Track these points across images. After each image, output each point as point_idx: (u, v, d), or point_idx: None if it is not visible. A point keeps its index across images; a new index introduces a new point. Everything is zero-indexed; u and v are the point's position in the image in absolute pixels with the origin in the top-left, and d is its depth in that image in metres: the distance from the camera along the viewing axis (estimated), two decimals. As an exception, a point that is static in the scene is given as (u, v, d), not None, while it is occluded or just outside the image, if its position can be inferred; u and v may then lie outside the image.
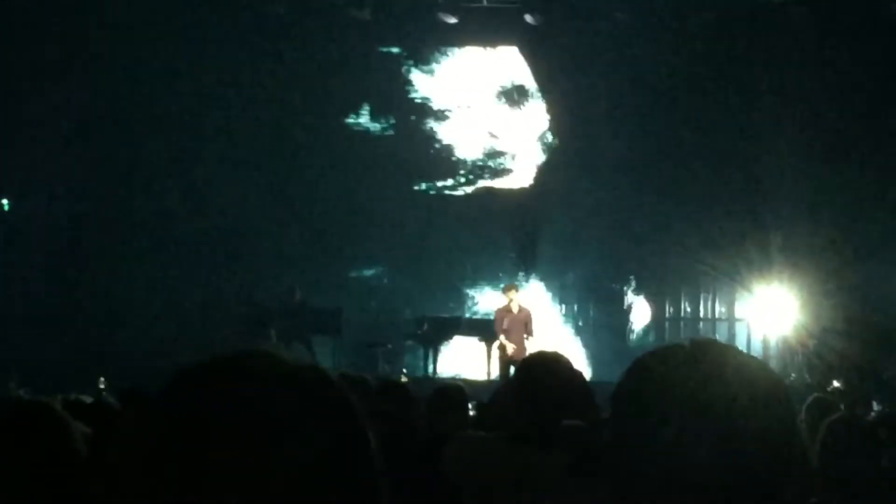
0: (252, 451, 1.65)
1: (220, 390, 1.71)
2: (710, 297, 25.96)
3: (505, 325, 20.68)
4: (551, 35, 25.04)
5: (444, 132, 26.36)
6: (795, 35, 23.81)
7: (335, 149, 25.49)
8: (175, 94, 24.23)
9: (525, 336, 20.49)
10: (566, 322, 26.24)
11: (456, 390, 8.20)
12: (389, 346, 23.87)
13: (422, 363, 23.61)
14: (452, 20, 24.66)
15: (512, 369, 18.80)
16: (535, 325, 20.88)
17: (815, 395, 9.37)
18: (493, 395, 7.10)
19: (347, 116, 26.19)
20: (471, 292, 26.03)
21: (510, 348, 20.39)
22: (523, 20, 24.61)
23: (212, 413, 1.68)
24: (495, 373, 21.11)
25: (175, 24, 23.47)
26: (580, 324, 26.15)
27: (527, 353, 19.36)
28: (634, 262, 25.61)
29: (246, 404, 1.69)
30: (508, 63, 26.20)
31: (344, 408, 1.77)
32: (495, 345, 21.13)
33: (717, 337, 25.21)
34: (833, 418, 6.25)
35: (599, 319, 25.98)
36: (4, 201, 25.15)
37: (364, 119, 26.33)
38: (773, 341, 24.01)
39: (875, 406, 16.20)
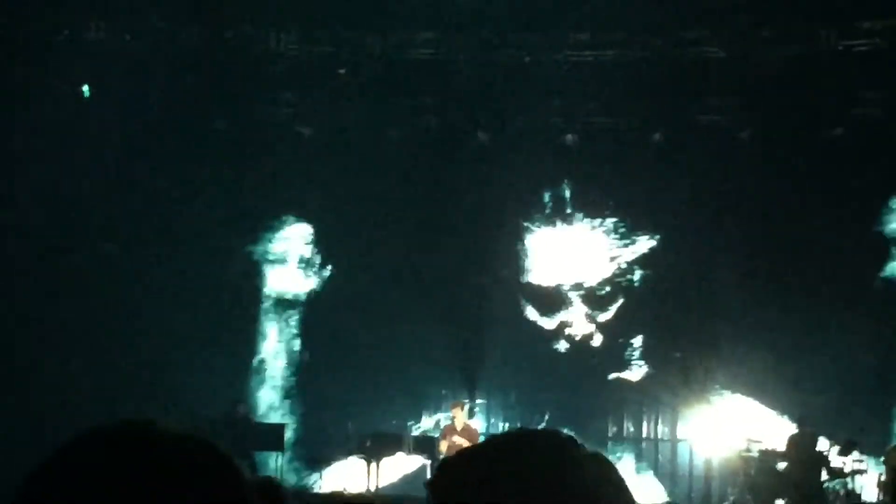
0: None
1: (101, 461, 1.66)
2: (653, 418, 26.05)
3: (451, 441, 20.48)
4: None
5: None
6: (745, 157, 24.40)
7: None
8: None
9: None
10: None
11: None
12: (332, 461, 23.73)
13: (365, 479, 23.44)
14: None
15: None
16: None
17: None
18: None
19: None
20: (415, 409, 25.96)
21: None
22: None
23: (92, 485, 1.63)
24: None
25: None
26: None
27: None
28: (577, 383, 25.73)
29: (127, 473, 1.64)
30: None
31: (228, 477, 1.72)
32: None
33: (660, 458, 25.40)
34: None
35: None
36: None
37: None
38: (715, 461, 24.14)
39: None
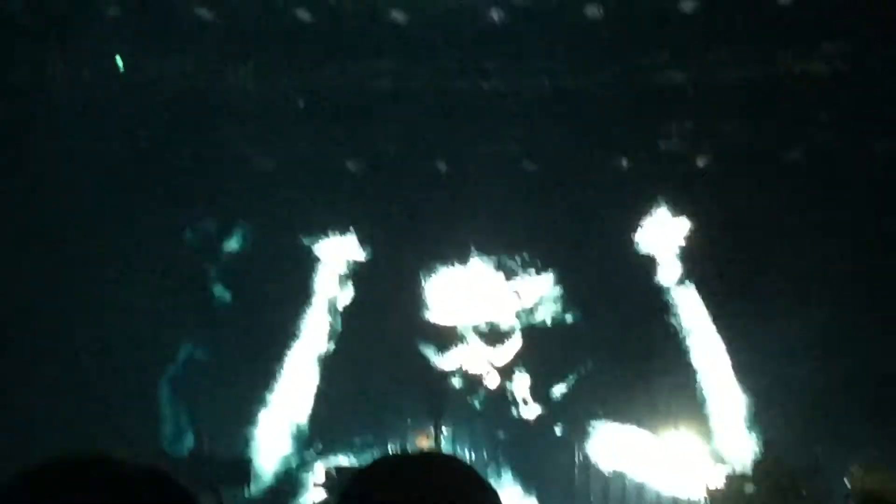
0: None
1: (54, 496, 1.58)
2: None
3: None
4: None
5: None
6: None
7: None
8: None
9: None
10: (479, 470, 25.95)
11: None
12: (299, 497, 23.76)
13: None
14: None
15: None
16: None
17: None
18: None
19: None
20: (381, 441, 25.90)
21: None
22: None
23: None
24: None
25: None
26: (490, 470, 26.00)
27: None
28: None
29: None
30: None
31: None
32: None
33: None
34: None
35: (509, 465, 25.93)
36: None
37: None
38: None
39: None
